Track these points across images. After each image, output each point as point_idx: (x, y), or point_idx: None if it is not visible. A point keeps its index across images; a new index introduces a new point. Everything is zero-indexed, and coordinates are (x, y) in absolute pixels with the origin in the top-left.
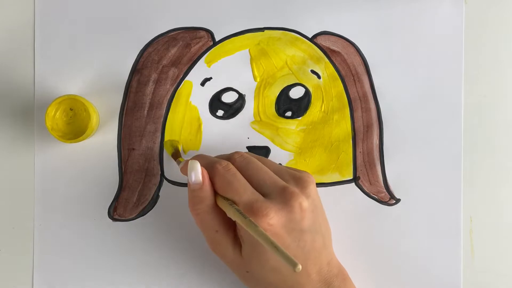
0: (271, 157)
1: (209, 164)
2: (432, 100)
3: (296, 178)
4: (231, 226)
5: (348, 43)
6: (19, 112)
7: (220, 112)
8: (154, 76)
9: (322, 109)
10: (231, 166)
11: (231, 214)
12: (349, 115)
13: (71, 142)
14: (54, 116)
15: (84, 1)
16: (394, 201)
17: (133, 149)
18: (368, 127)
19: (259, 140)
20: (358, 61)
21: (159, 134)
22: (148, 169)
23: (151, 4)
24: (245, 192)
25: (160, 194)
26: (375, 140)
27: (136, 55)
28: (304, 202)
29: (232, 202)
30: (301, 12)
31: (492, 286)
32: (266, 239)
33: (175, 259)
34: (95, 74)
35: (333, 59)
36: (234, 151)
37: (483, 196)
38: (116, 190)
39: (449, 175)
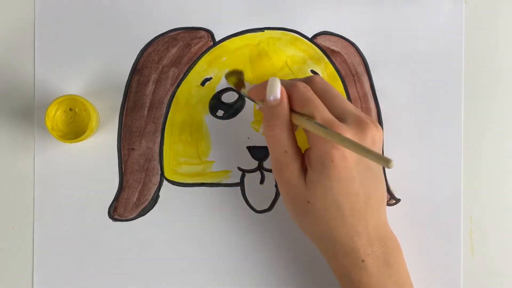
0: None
1: (288, 83)
2: (432, 100)
3: (367, 116)
4: (299, 150)
5: (348, 43)
6: (19, 112)
7: (220, 112)
8: (154, 76)
9: None
10: (309, 87)
11: (311, 127)
12: None
13: (71, 142)
14: (54, 116)
15: (84, 1)
16: (394, 201)
17: (133, 149)
18: None
19: (259, 140)
20: (358, 61)
21: (159, 134)
22: (148, 169)
23: (151, 4)
24: (324, 111)
25: (160, 194)
26: None
27: (136, 55)
28: (376, 136)
29: (310, 118)
30: (301, 12)
31: (492, 286)
32: (352, 142)
33: (175, 259)
34: (95, 74)
35: (333, 59)
36: (312, 75)
37: (483, 196)
38: (116, 190)
39: (449, 175)
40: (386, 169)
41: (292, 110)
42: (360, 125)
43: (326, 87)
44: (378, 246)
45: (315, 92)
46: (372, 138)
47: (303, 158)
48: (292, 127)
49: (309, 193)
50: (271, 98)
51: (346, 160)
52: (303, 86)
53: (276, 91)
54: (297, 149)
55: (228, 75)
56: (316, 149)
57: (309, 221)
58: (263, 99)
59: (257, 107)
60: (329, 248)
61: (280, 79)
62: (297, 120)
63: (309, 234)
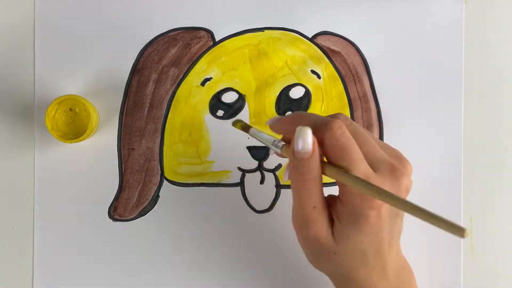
0: (271, 157)
1: (318, 122)
2: (432, 100)
3: (398, 156)
4: (326, 204)
5: (348, 43)
6: (19, 112)
7: (220, 112)
8: (154, 76)
9: (322, 109)
10: (345, 128)
11: (351, 182)
12: (349, 115)
13: (71, 142)
14: (54, 116)
15: (84, 1)
16: None
17: (133, 149)
18: (368, 127)
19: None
20: (358, 61)
21: (159, 134)
22: (148, 169)
23: (151, 4)
24: (362, 162)
25: (160, 194)
26: None
27: (136, 55)
28: (410, 185)
29: (346, 171)
30: (301, 12)
31: (492, 286)
32: (411, 205)
33: (175, 259)
34: (95, 74)
35: (333, 59)
36: (335, 114)
37: (483, 196)
38: (116, 190)
39: (449, 175)
40: None
41: (327, 162)
42: (394, 174)
43: (355, 128)
44: (393, 279)
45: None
46: (406, 188)
47: (329, 211)
48: (322, 180)
49: (337, 246)
50: (299, 148)
51: (381, 217)
52: (337, 128)
53: (307, 142)
54: (325, 204)
55: (234, 123)
56: (350, 205)
57: (330, 266)
58: (287, 137)
59: (271, 152)
60: (344, 285)
61: (304, 116)
62: (332, 173)
63: (325, 271)
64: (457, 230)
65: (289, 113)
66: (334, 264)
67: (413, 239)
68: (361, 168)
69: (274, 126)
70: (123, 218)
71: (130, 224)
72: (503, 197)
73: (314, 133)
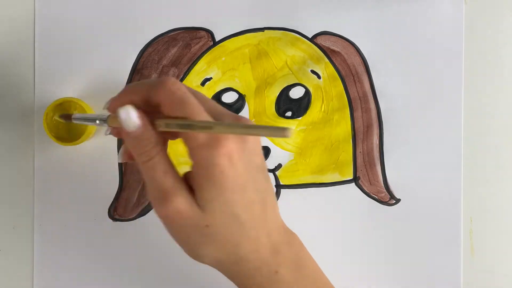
0: (271, 157)
1: (152, 85)
2: (432, 100)
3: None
4: (179, 175)
5: (348, 43)
6: (19, 113)
7: None
8: (154, 76)
9: (322, 109)
10: (180, 83)
11: (194, 123)
12: (349, 115)
13: (66, 145)
14: (52, 118)
15: (84, 1)
16: (394, 201)
17: None
18: (368, 127)
19: None
20: (358, 61)
21: None
22: None
23: (151, 4)
24: (202, 112)
25: None
26: (375, 140)
27: (136, 55)
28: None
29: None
30: (301, 12)
31: (492, 286)
32: (246, 125)
33: (175, 259)
34: (95, 74)
35: (333, 59)
36: (164, 77)
37: (483, 196)
38: (116, 190)
39: (449, 175)
40: (386, 169)
41: (164, 117)
42: (239, 121)
43: (192, 90)
44: (285, 250)
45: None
46: (255, 137)
47: (185, 180)
48: (166, 147)
49: (206, 215)
50: (130, 127)
51: (235, 167)
52: (172, 83)
53: (134, 120)
54: (177, 171)
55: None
56: (200, 162)
57: (210, 247)
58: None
59: (106, 133)
60: (238, 271)
61: (134, 86)
62: (175, 127)
63: (213, 262)
64: (281, 131)
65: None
66: (212, 242)
67: (413, 239)
68: (203, 115)
69: (110, 107)
70: (123, 218)
71: (130, 224)
72: (503, 197)
73: (152, 95)
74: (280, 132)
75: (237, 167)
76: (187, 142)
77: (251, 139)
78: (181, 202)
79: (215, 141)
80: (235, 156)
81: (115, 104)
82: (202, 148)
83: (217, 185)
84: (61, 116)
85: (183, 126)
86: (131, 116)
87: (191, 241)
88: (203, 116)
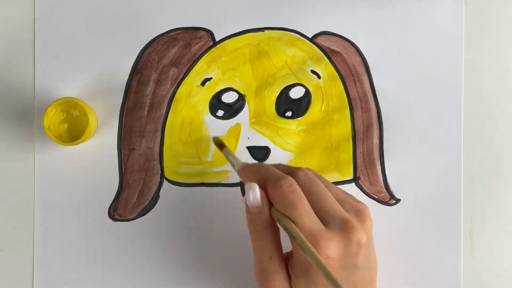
0: (271, 157)
1: (271, 178)
2: (432, 100)
3: (356, 210)
4: (283, 257)
5: (348, 43)
6: (20, 112)
7: (220, 112)
8: (154, 76)
9: (322, 109)
10: (296, 185)
11: (295, 233)
12: (349, 115)
13: (66, 145)
14: (53, 118)
15: (84, 1)
16: (394, 201)
17: (133, 149)
18: (368, 127)
19: (259, 140)
20: (358, 61)
21: (159, 134)
22: (148, 169)
23: (151, 4)
24: (309, 218)
25: (160, 194)
26: (375, 140)
27: (136, 55)
28: (362, 238)
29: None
30: (301, 12)
31: (492, 286)
32: (322, 266)
33: (175, 259)
34: (95, 74)
35: (333, 59)
36: (298, 168)
37: (483, 196)
38: (116, 190)
39: (449, 175)
40: (386, 169)
41: (277, 211)
42: (345, 230)
43: (311, 183)
44: None
45: (301, 189)
46: (358, 242)
47: (287, 264)
48: (278, 232)
49: None
50: (250, 203)
51: (331, 260)
52: (287, 186)
53: (257, 198)
54: (282, 255)
55: (214, 138)
56: (300, 259)
57: None
58: (250, 180)
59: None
60: None
61: (262, 168)
62: (281, 224)
63: None
64: None
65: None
66: None
67: (413, 239)
68: (307, 223)
69: (240, 173)
70: (123, 218)
71: (130, 224)
72: (503, 197)
73: (267, 188)
74: None
75: (333, 266)
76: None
77: (354, 246)
78: (277, 284)
79: (318, 244)
80: (334, 260)
81: (246, 172)
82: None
83: (310, 281)
84: (216, 141)
85: (288, 231)
86: (256, 194)
87: None
88: (307, 225)
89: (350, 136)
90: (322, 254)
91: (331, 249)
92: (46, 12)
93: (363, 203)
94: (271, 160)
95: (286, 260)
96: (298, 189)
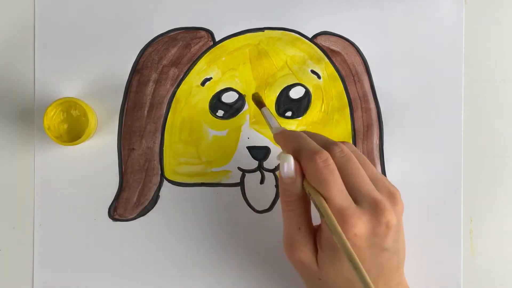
0: (271, 157)
1: (306, 151)
2: (432, 100)
3: (389, 192)
4: (312, 229)
5: (348, 43)
6: (20, 113)
7: (220, 112)
8: (154, 76)
9: (322, 109)
10: (331, 161)
11: (324, 210)
12: (349, 115)
13: (66, 145)
14: (52, 118)
15: (84, 1)
16: None
17: (133, 149)
18: (368, 127)
19: (259, 140)
20: (358, 61)
21: (159, 134)
22: (148, 169)
23: (151, 4)
24: (340, 194)
25: (160, 194)
26: (375, 140)
27: (136, 55)
28: (392, 220)
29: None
30: (301, 12)
31: (492, 286)
32: (345, 246)
33: (175, 259)
34: (95, 74)
35: (333, 59)
36: (335, 141)
37: (483, 196)
38: (116, 190)
39: (449, 175)
40: (386, 169)
41: (309, 184)
42: (375, 210)
43: (347, 160)
44: None
45: (336, 165)
46: (387, 224)
47: (315, 236)
48: (309, 204)
49: (320, 272)
50: (285, 173)
51: (358, 238)
52: (322, 162)
53: (290, 169)
54: (311, 227)
55: (253, 97)
56: (327, 234)
57: None
58: (285, 147)
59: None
60: None
61: (300, 138)
62: (312, 198)
63: None
64: (361, 278)
65: (292, 128)
66: None
67: (413, 239)
68: (338, 200)
69: (276, 137)
70: (123, 218)
71: (130, 224)
72: (503, 197)
73: (301, 160)
74: (361, 279)
75: (360, 245)
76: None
77: (383, 227)
78: (304, 255)
79: (346, 222)
80: (361, 238)
81: (282, 143)
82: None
83: (336, 256)
84: (257, 98)
85: (317, 208)
86: (291, 166)
87: (307, 281)
88: (337, 202)
89: (350, 136)
90: (349, 230)
91: (359, 227)
92: (46, 12)
93: (395, 187)
94: (270, 160)
95: (315, 232)
96: (332, 165)
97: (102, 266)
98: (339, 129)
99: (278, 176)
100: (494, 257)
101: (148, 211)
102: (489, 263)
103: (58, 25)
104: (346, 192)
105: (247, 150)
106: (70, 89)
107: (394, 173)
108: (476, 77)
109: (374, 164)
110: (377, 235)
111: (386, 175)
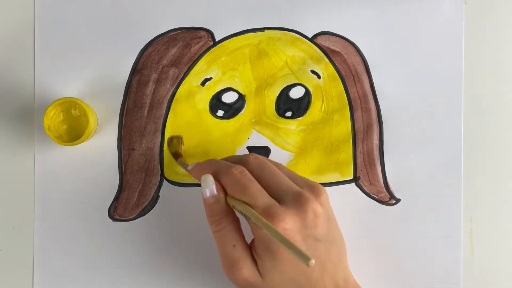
0: (271, 157)
1: (222, 169)
2: (432, 100)
3: (310, 185)
4: (247, 244)
5: (348, 43)
6: (20, 112)
7: (220, 112)
8: (154, 76)
9: (322, 109)
10: (246, 171)
11: (249, 213)
12: (349, 115)
13: (66, 145)
14: (52, 118)
15: (84, 1)
16: (394, 201)
17: (133, 149)
18: (368, 127)
19: (259, 140)
20: (358, 61)
21: (159, 134)
22: (148, 169)
23: (151, 4)
24: (261, 196)
25: (160, 194)
26: (375, 140)
27: (136, 55)
28: (318, 209)
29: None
30: (301, 12)
31: (492, 285)
32: (279, 236)
33: (175, 259)
34: (95, 74)
35: (333, 59)
36: (247, 154)
37: (483, 196)
38: (116, 190)
39: (449, 175)
40: (386, 169)
41: (232, 197)
42: (299, 202)
43: (261, 165)
44: None
45: (252, 172)
46: (313, 212)
47: (251, 251)
48: (238, 221)
49: (266, 283)
50: (207, 194)
51: (289, 232)
52: (238, 172)
53: (212, 189)
54: (245, 243)
55: (168, 142)
56: (260, 239)
57: None
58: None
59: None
60: None
61: (213, 162)
62: (237, 204)
63: None
64: (304, 258)
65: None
66: None
67: (413, 239)
68: (260, 201)
69: (192, 171)
70: (123, 218)
71: (130, 224)
72: (503, 197)
73: (220, 178)
74: (305, 259)
75: (293, 238)
76: (247, 219)
77: (310, 216)
78: (246, 271)
79: (273, 218)
80: (292, 231)
81: (197, 170)
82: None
83: (275, 258)
84: (172, 150)
85: (242, 213)
86: (211, 185)
87: None
88: (261, 202)
89: (350, 136)
90: (278, 226)
91: (287, 221)
92: (46, 12)
93: (313, 181)
94: (271, 159)
95: (250, 247)
96: (249, 174)
97: (102, 266)
98: (339, 129)
99: (202, 200)
100: (494, 257)
101: (148, 211)
102: (489, 263)
103: (58, 25)
104: (267, 194)
105: (247, 150)
106: (70, 89)
107: (394, 173)
108: (476, 77)
109: (374, 164)
110: (307, 226)
111: (386, 175)
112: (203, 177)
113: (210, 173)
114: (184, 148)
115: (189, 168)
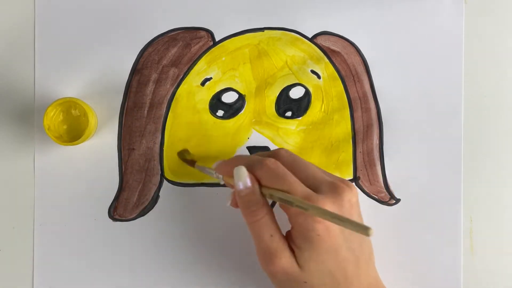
0: None
1: (254, 162)
2: (432, 100)
3: (341, 179)
4: (283, 236)
5: (348, 43)
6: (20, 112)
7: (220, 112)
8: (154, 76)
9: (322, 109)
10: (279, 163)
11: (290, 203)
12: (349, 115)
13: (66, 145)
14: (53, 118)
15: (84, 2)
16: (394, 201)
17: (133, 149)
18: (368, 127)
19: (259, 140)
20: (358, 61)
21: (159, 134)
22: (148, 169)
23: (151, 4)
24: (300, 185)
25: (160, 194)
26: (375, 140)
27: (136, 55)
28: (353, 198)
29: (286, 194)
30: (301, 12)
31: (492, 285)
32: (329, 214)
33: (175, 259)
34: (96, 74)
35: (333, 59)
36: (278, 148)
37: (483, 196)
38: (116, 190)
39: (449, 175)
40: (386, 169)
41: (268, 187)
42: (335, 191)
43: (293, 159)
44: None
45: (284, 165)
46: (349, 201)
47: (288, 242)
48: (273, 213)
49: (304, 273)
50: (241, 186)
51: (330, 230)
52: (272, 163)
53: (245, 179)
54: (281, 233)
55: (180, 155)
56: (299, 227)
57: None
58: (230, 175)
59: (221, 182)
60: None
61: (243, 158)
62: (275, 197)
63: None
64: (363, 229)
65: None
66: None
67: (413, 239)
68: (299, 189)
69: (218, 169)
70: (123, 218)
71: (130, 224)
72: (503, 197)
73: (253, 171)
74: (363, 230)
75: (331, 231)
76: (285, 208)
77: (347, 205)
78: (284, 262)
79: (314, 203)
80: (330, 223)
81: (226, 169)
82: (300, 214)
83: (314, 247)
84: (184, 160)
85: (284, 200)
86: (244, 177)
87: None
88: (300, 191)
89: (350, 136)
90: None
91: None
92: (46, 12)
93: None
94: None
95: (286, 239)
96: (282, 166)
97: (102, 266)
98: (339, 129)
99: (236, 195)
100: (494, 257)
101: (148, 211)
102: (489, 263)
103: (58, 25)
104: (302, 184)
105: (247, 150)
106: (70, 89)
107: (394, 173)
108: (476, 77)
109: (374, 164)
110: (344, 214)
111: (386, 175)
112: (235, 170)
113: (244, 165)
114: (184, 147)
115: (214, 166)
